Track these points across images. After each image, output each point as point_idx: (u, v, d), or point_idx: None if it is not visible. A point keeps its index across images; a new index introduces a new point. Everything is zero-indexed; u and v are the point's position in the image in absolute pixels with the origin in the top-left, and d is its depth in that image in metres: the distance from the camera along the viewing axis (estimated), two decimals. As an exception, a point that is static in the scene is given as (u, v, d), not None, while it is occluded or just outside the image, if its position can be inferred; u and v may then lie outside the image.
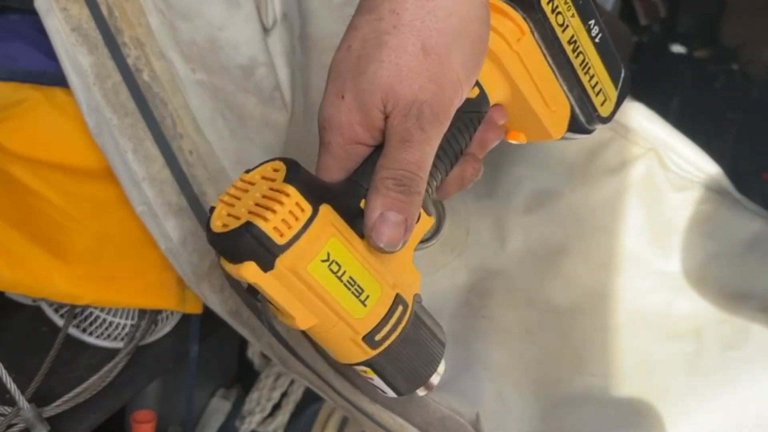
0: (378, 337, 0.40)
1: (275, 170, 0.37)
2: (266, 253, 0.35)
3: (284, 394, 0.91)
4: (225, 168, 0.63)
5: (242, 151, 0.64)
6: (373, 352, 0.40)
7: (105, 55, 0.58)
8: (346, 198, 0.38)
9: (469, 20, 0.38)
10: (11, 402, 0.61)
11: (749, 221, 0.65)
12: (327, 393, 0.61)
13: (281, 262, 0.35)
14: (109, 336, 0.71)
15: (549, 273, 0.67)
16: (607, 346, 0.62)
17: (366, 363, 0.41)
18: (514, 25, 0.42)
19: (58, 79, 0.60)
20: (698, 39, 1.14)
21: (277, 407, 0.90)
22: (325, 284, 0.37)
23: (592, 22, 0.46)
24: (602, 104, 0.49)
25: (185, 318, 0.76)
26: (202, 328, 0.76)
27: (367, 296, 0.38)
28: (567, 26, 0.44)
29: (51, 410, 0.63)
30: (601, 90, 0.48)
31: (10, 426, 0.61)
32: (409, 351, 0.42)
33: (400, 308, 0.40)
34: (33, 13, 0.58)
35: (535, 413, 0.58)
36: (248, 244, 0.34)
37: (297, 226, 0.35)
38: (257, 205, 0.35)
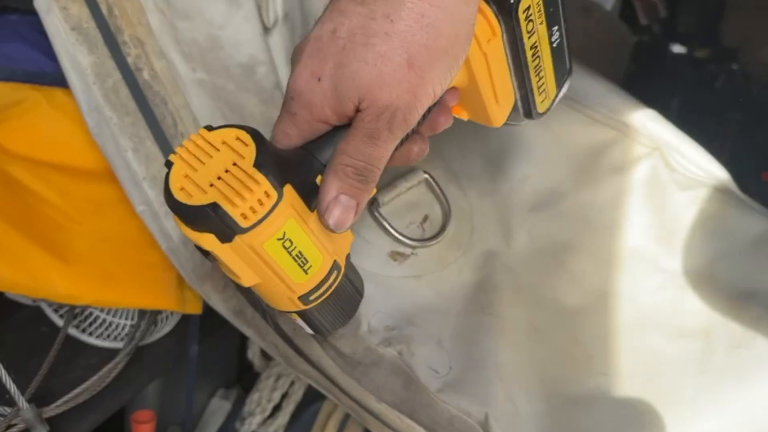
0: (312, 297, 0.43)
1: (239, 140, 0.38)
2: (228, 231, 0.37)
3: (284, 395, 0.90)
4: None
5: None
6: (305, 307, 0.44)
7: (105, 55, 0.58)
8: (304, 172, 0.40)
9: (457, 40, 0.39)
10: (11, 402, 0.60)
11: (755, 220, 0.66)
12: (332, 392, 0.61)
13: (241, 239, 0.37)
14: (109, 336, 0.71)
15: (555, 271, 0.67)
16: (615, 345, 0.62)
17: (296, 312, 0.45)
18: (488, 26, 0.43)
19: (58, 79, 0.60)
20: (698, 39, 1.13)
21: (277, 408, 0.90)
22: (276, 257, 0.39)
23: (556, 27, 0.47)
24: (542, 102, 0.51)
25: (185, 318, 0.76)
26: (202, 328, 0.76)
27: (310, 266, 0.41)
28: (534, 33, 0.45)
29: (51, 410, 0.63)
30: (544, 90, 0.50)
31: (9, 426, 0.60)
32: (333, 304, 0.46)
33: (335, 273, 0.44)
34: (33, 13, 0.57)
35: (545, 413, 0.58)
36: (212, 221, 0.36)
37: (262, 212, 0.37)
38: (222, 180, 0.37)
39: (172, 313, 0.75)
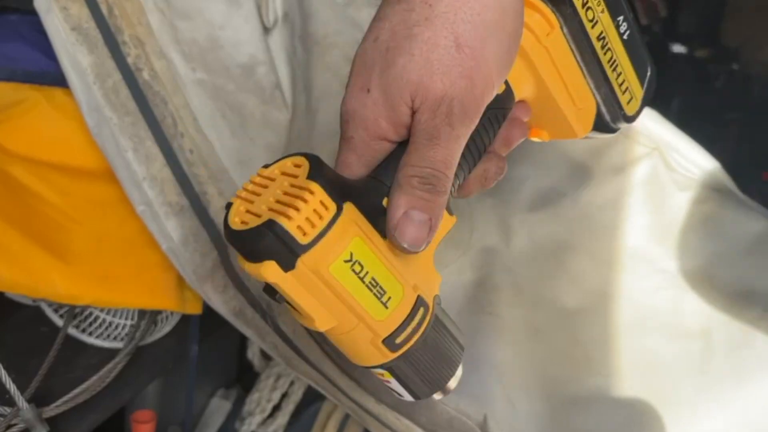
0: (398, 340, 0.38)
1: (296, 166, 0.36)
2: (288, 253, 0.34)
3: (284, 395, 0.90)
4: (226, 167, 0.62)
5: (243, 151, 0.64)
6: (393, 356, 0.39)
7: (105, 55, 0.58)
8: (369, 196, 0.37)
9: (505, 13, 0.36)
10: (11, 402, 0.60)
11: (754, 221, 0.65)
12: (332, 393, 0.61)
13: (303, 262, 0.34)
14: (108, 336, 0.71)
15: (555, 272, 0.67)
16: (615, 346, 0.62)
17: (384, 366, 0.39)
18: (543, 19, 0.41)
19: (58, 79, 0.60)
20: (698, 39, 1.13)
21: (277, 408, 0.90)
22: (347, 285, 0.35)
23: (621, 18, 0.45)
24: (628, 103, 0.48)
25: (185, 318, 0.76)
26: (202, 328, 0.76)
27: (389, 298, 0.37)
28: (596, 22, 0.43)
29: (51, 410, 0.63)
30: (627, 88, 0.47)
31: (9, 426, 0.60)
32: (428, 354, 0.40)
33: (422, 310, 0.39)
34: (33, 13, 0.57)
35: (544, 414, 0.58)
36: (270, 242, 0.33)
37: (321, 225, 0.34)
38: (279, 202, 0.34)
39: (172, 313, 0.75)
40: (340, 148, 0.38)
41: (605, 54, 0.44)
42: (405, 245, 0.36)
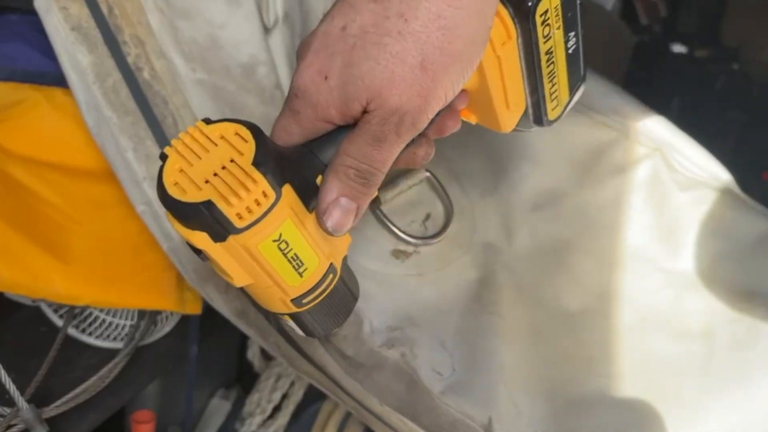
0: (305, 300, 0.42)
1: (238, 135, 0.37)
2: (222, 230, 0.36)
3: (284, 396, 0.90)
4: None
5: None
6: (297, 310, 0.42)
7: (105, 54, 0.57)
8: (303, 171, 0.39)
9: (473, 43, 0.37)
10: (10, 402, 0.60)
11: (756, 221, 0.65)
12: (335, 393, 0.61)
13: (235, 239, 0.36)
14: (108, 336, 0.71)
15: (557, 271, 0.67)
16: (617, 346, 0.62)
17: (287, 314, 0.44)
18: (503, 28, 0.42)
19: (58, 79, 0.60)
20: (698, 39, 1.13)
21: (277, 409, 0.90)
22: (270, 259, 0.38)
23: (572, 33, 0.46)
24: (553, 109, 0.49)
25: (185, 318, 0.76)
26: (202, 329, 0.76)
27: (306, 269, 0.40)
28: (550, 38, 0.44)
29: (50, 411, 0.63)
30: (557, 97, 0.49)
31: (9, 427, 0.60)
32: (327, 307, 0.44)
33: (330, 276, 0.42)
34: (33, 13, 0.57)
35: (547, 415, 0.58)
36: (206, 220, 0.35)
37: (258, 212, 0.35)
38: (218, 177, 0.35)
39: (172, 313, 0.75)
40: (284, 114, 0.39)
41: (548, 67, 0.46)
42: (329, 228, 0.39)
